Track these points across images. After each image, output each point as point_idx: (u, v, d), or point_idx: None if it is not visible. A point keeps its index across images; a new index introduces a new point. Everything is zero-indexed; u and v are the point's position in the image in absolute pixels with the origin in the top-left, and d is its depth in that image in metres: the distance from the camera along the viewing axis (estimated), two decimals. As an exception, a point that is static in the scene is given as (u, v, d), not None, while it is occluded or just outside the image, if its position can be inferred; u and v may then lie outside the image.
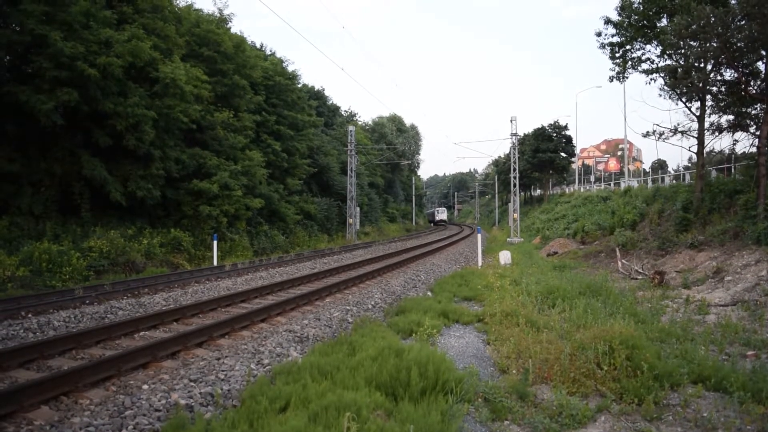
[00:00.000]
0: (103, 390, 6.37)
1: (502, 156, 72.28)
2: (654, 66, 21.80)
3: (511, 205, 42.42)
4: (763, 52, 16.98)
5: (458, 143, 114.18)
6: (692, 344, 8.13)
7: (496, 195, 78.35)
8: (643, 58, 22.41)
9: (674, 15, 18.70)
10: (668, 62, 20.83)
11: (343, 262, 21.85)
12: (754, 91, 17.53)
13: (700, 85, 18.27)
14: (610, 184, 45.58)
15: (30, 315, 10.53)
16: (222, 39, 27.10)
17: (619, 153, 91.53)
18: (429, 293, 14.37)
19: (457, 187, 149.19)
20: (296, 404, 5.40)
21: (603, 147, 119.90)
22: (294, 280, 15.57)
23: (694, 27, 16.63)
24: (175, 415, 5.29)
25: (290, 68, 39.86)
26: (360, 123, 67.93)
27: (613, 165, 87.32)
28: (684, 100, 19.99)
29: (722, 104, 18.91)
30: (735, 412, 5.73)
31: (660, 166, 65.30)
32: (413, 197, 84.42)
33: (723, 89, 18.91)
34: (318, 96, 51.81)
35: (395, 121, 75.45)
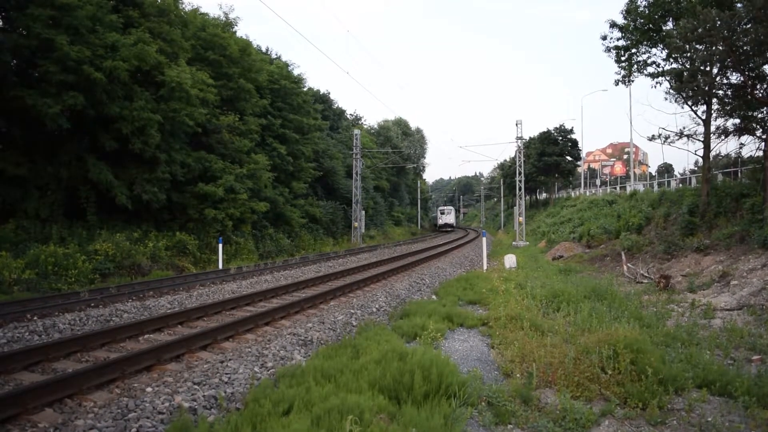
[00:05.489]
0: (107, 393, 6.40)
1: (508, 159, 72.08)
2: (660, 69, 21.76)
3: (516, 209, 42.35)
4: (770, 56, 16.89)
5: (463, 147, 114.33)
6: (697, 348, 8.07)
7: (502, 198, 78.18)
8: (649, 61, 22.39)
9: (680, 18, 18.67)
10: (674, 66, 20.79)
11: (348, 266, 21.86)
12: (760, 95, 17.44)
13: (706, 88, 18.19)
14: (615, 188, 45.40)
15: (35, 318, 10.58)
16: (227, 43, 27.25)
17: (625, 157, 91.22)
18: (434, 297, 14.36)
19: (463, 190, 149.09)
20: (299, 407, 5.40)
21: (609, 150, 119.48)
22: (299, 284, 15.58)
23: (699, 30, 16.58)
24: (178, 418, 5.30)
25: (296, 72, 40.08)
26: (365, 126, 68.03)
27: (618, 169, 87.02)
28: (690, 103, 19.90)
29: (728, 108, 18.80)
30: (740, 416, 5.69)
31: (666, 169, 65.14)
32: (419, 200, 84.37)
33: (729, 92, 18.80)
34: (323, 99, 51.94)
35: (400, 124, 75.49)
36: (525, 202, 46.54)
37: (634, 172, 53.76)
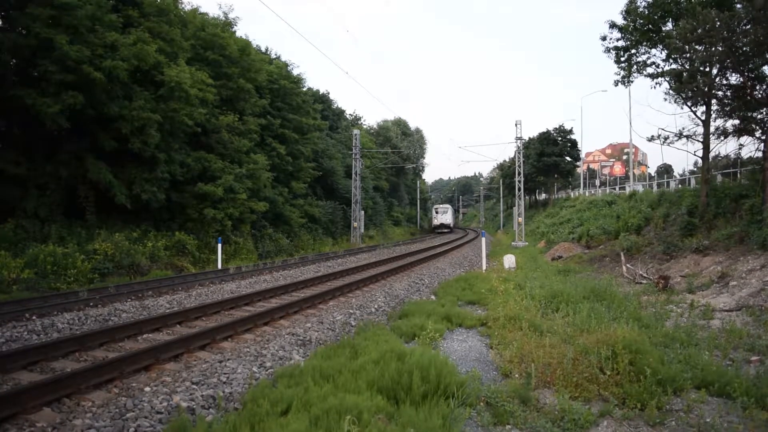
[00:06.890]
0: (106, 392, 6.39)
1: (507, 160, 71.86)
2: (659, 70, 21.77)
3: (515, 209, 42.37)
4: (769, 56, 16.91)
5: (463, 147, 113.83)
6: (696, 349, 8.07)
7: (501, 199, 78.19)
8: (649, 62, 22.39)
9: (679, 19, 18.69)
10: (673, 66, 20.81)
11: (347, 266, 21.85)
12: (759, 96, 17.46)
13: (706, 89, 18.21)
14: (615, 189, 45.42)
15: (34, 317, 10.57)
16: (227, 43, 27.23)
17: (625, 157, 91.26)
18: (432, 297, 14.36)
19: (462, 190, 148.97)
20: (298, 407, 5.39)
21: (608, 151, 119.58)
22: (298, 284, 15.58)
23: (699, 31, 16.60)
24: (176, 418, 5.30)
25: (295, 72, 40.07)
26: (365, 127, 67.98)
27: (618, 169, 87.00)
28: (689, 104, 19.92)
29: (727, 108, 18.82)
30: (738, 417, 5.69)
31: (665, 170, 65.17)
32: (418, 201, 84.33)
33: (728, 93, 18.82)
34: (323, 99, 51.87)
35: (400, 124, 75.32)
36: (524, 203, 46.54)
37: (634, 173, 53.80)
